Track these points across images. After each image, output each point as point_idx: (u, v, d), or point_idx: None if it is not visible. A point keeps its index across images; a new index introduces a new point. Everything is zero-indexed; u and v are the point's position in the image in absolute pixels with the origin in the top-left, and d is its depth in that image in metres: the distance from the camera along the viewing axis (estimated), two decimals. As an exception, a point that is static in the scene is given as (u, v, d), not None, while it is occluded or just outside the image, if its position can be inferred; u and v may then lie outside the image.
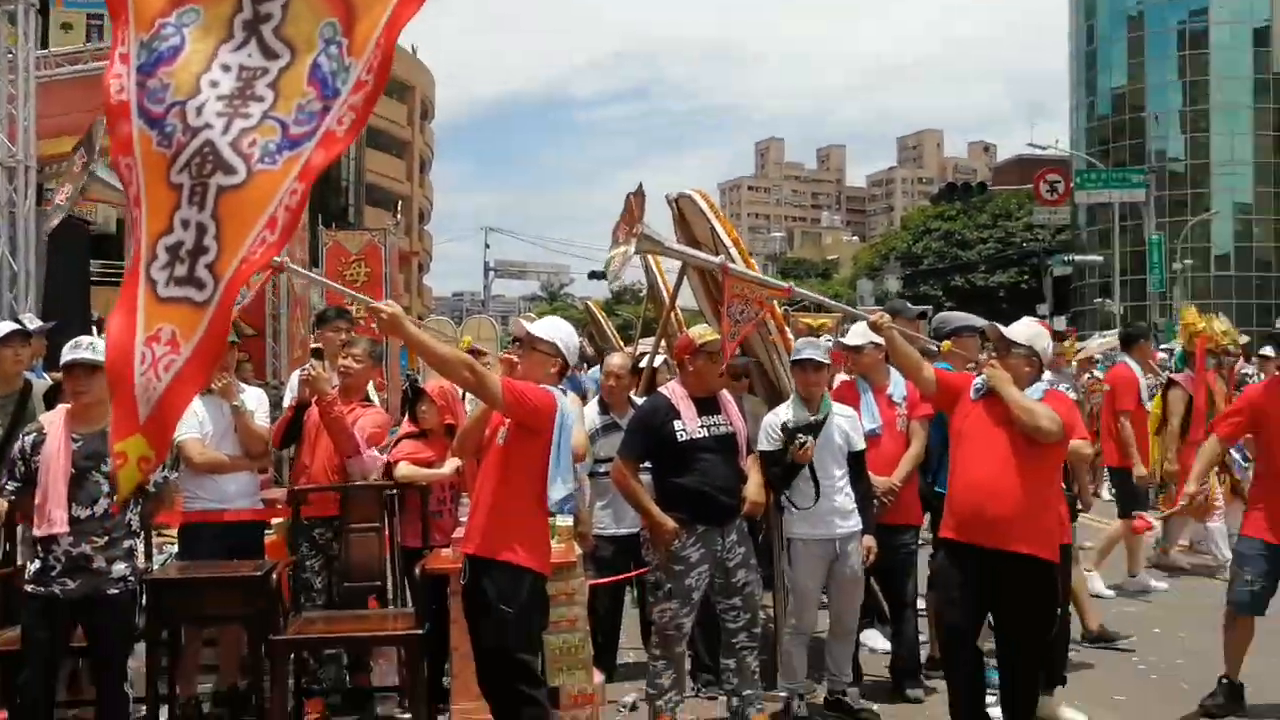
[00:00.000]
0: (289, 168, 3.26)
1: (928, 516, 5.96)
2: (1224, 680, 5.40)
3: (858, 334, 5.91)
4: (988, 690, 4.96)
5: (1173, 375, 8.54)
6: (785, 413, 5.32)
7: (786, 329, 5.96)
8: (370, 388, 6.04)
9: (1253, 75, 48.16)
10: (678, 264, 6.45)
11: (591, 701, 5.14)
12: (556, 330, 4.52)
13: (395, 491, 5.45)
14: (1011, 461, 4.50)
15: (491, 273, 51.82)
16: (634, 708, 5.50)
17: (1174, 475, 7.94)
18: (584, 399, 6.58)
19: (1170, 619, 7.21)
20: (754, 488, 5.19)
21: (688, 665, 5.43)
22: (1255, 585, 5.31)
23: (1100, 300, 41.21)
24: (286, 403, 5.79)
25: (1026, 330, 4.88)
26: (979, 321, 6.23)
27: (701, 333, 5.23)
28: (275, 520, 5.84)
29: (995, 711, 4.99)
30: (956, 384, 4.87)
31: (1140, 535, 8.02)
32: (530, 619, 4.22)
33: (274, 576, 4.79)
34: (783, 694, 5.37)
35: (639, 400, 6.05)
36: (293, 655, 4.88)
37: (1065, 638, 5.54)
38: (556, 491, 4.20)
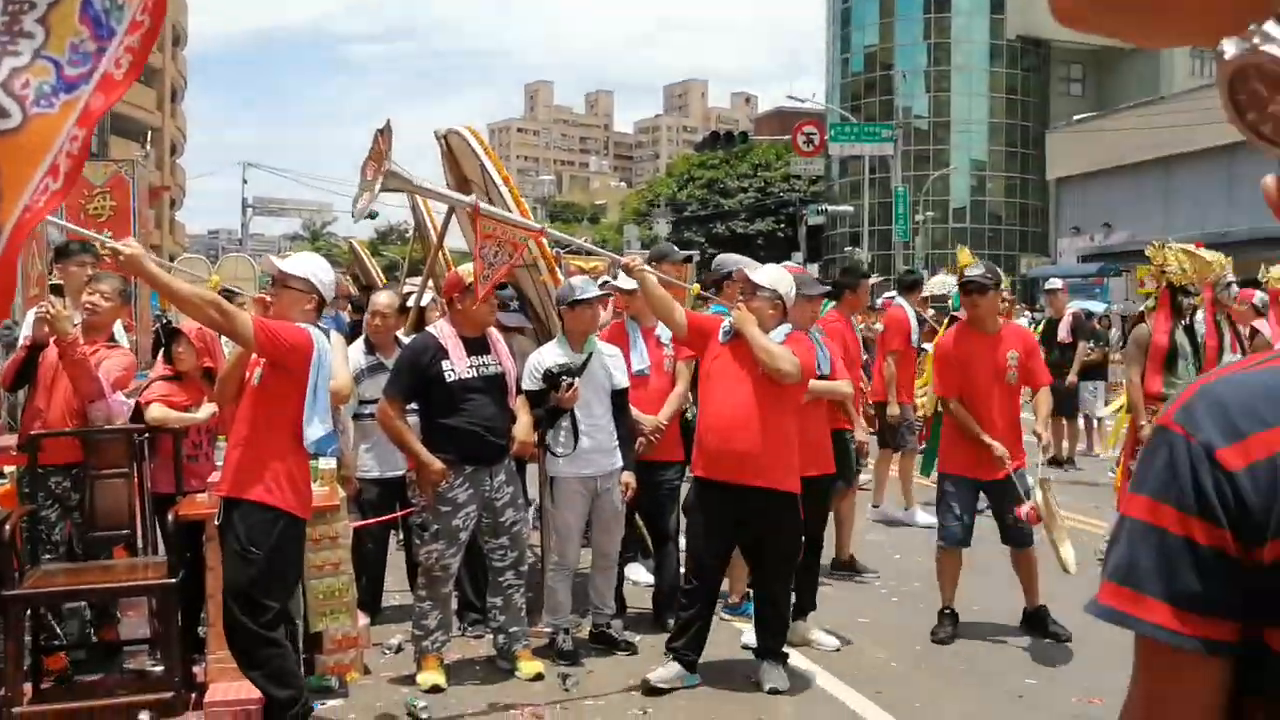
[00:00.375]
0: (67, 112, 3.11)
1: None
2: (946, 610, 5.77)
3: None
4: (747, 617, 5.24)
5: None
6: (549, 353, 5.36)
7: (557, 270, 5.99)
8: (118, 328, 5.68)
9: (989, 40, 51.34)
10: (441, 205, 6.35)
11: (356, 645, 5.09)
12: (308, 266, 4.39)
13: (146, 435, 5.18)
14: (754, 401, 4.74)
15: (250, 209, 49.33)
16: (399, 649, 5.48)
17: None
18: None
19: (908, 546, 7.77)
20: (522, 428, 5.21)
21: (454, 606, 5.44)
22: (964, 519, 5.67)
23: (850, 249, 43.29)
24: (21, 342, 5.36)
25: (771, 274, 5.07)
26: (752, 263, 6.47)
27: (471, 271, 5.19)
28: (7, 468, 5.43)
29: (750, 638, 5.27)
30: (707, 326, 5.03)
31: (909, 470, 8.55)
32: (280, 562, 4.12)
33: (5, 528, 4.47)
34: (548, 629, 5.47)
35: (405, 340, 5.97)
36: (29, 611, 4.58)
37: (816, 567, 5.85)
38: (313, 431, 4.11)
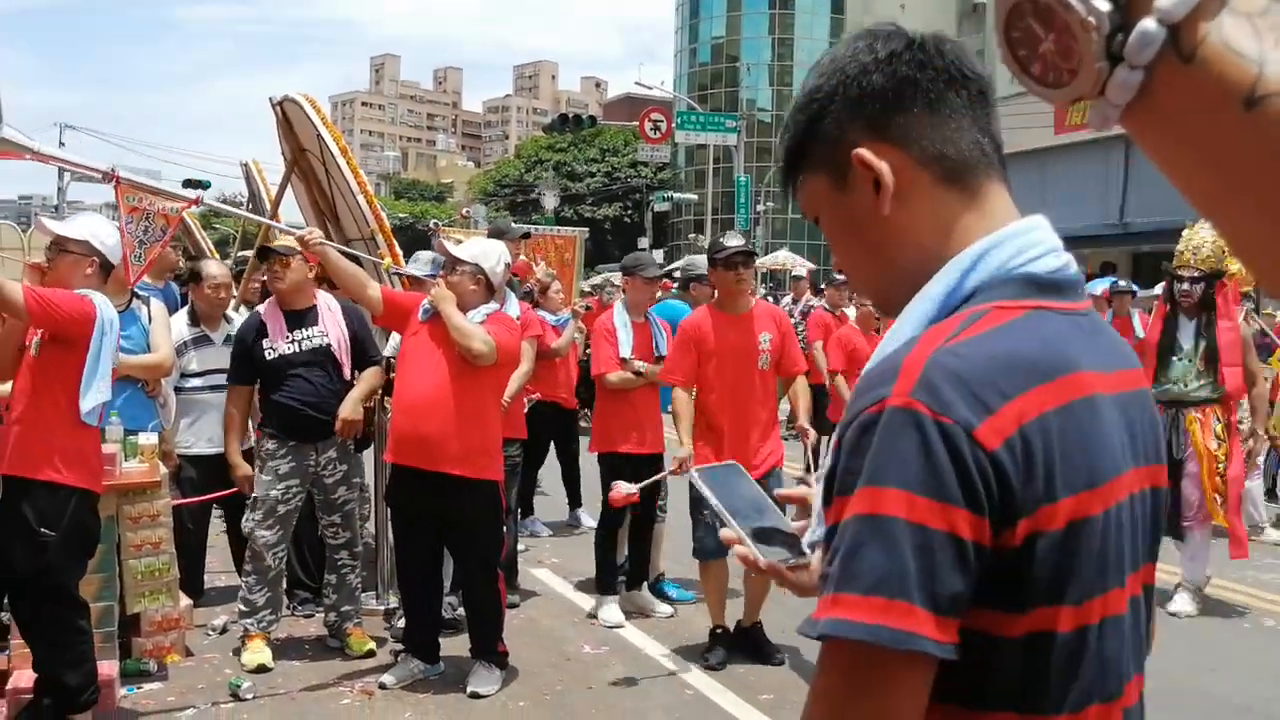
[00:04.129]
0: None
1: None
2: (717, 630, 5.22)
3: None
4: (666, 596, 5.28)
5: None
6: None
7: (395, 244, 5.90)
8: None
9: (828, 39, 52.82)
10: (278, 174, 6.18)
11: (177, 625, 4.93)
12: (87, 227, 4.13)
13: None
14: (448, 383, 4.48)
15: (67, 175, 46.71)
16: (224, 630, 5.33)
17: None
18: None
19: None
20: (348, 405, 5.00)
21: (284, 584, 5.32)
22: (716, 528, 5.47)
23: (694, 236, 43.93)
24: None
25: (473, 248, 4.82)
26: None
27: (289, 240, 5.07)
28: None
29: (612, 614, 5.33)
30: (405, 304, 4.76)
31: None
32: (77, 541, 3.92)
33: None
34: (382, 607, 5.41)
35: (233, 314, 5.84)
36: None
37: (649, 535, 5.94)
38: (87, 401, 3.85)
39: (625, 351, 5.69)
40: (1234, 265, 7.70)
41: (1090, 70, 0.67)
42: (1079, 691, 1.04)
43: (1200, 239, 5.98)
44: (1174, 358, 6.04)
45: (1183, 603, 5.97)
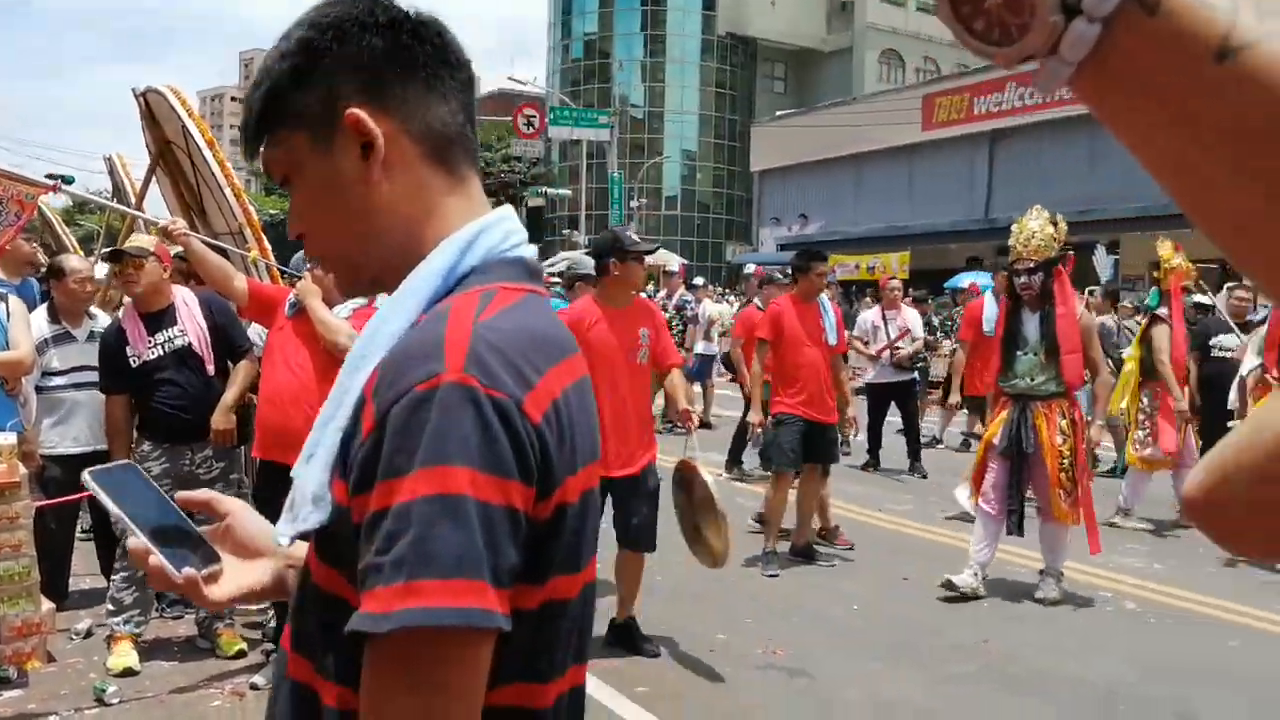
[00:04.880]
0: None
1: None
2: (614, 621, 5.28)
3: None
4: None
5: (1155, 313, 8.28)
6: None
7: (264, 239, 5.84)
8: None
9: (700, 35, 53.41)
10: (144, 169, 6.04)
11: (39, 630, 4.80)
12: None
13: None
14: (313, 378, 4.45)
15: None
16: (89, 634, 5.21)
17: (1134, 415, 8.15)
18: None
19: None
20: (219, 414, 4.95)
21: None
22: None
23: (568, 231, 43.93)
24: None
25: None
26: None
27: (140, 240, 4.99)
28: None
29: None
30: (271, 297, 4.73)
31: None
32: None
33: None
34: (255, 607, 5.35)
35: (96, 310, 5.70)
36: None
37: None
38: None
39: None
40: (1175, 259, 8.14)
41: (1044, 24, 0.59)
42: (564, 653, 1.08)
43: (1029, 230, 6.07)
44: (1019, 352, 6.17)
45: (1047, 589, 6.19)
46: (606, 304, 5.15)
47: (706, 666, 5.06)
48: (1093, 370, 6.33)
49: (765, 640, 5.43)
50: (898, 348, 10.15)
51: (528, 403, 0.96)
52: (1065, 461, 6.06)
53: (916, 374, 10.73)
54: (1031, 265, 6.07)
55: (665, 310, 12.84)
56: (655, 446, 5.33)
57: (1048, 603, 6.13)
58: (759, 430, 7.10)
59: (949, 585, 6.12)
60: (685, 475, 5.11)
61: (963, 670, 5.10)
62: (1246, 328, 8.79)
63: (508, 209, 1.18)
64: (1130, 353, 8.61)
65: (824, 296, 7.09)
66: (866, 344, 10.43)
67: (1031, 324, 6.16)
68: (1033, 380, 6.13)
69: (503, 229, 1.14)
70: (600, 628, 5.36)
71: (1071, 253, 6.45)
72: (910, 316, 10.60)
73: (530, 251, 1.17)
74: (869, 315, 10.82)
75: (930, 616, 5.92)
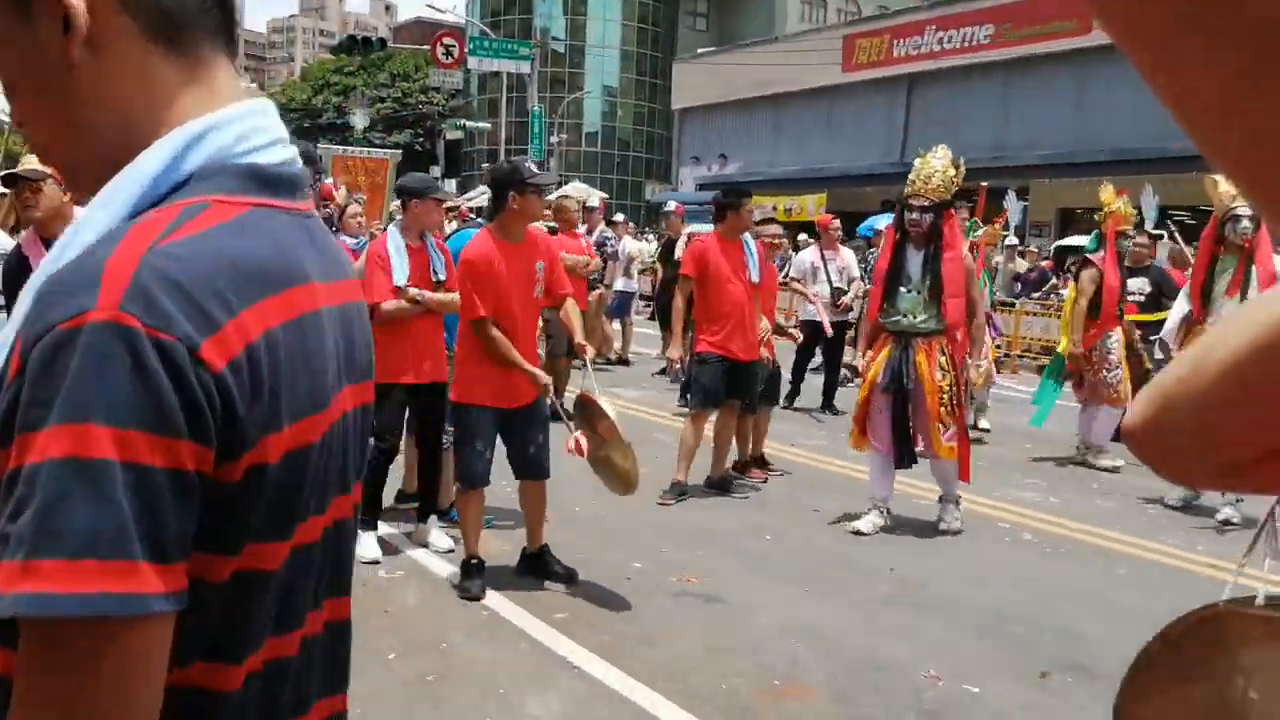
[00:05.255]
0: None
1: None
2: (472, 561, 5.21)
3: None
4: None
5: (1088, 255, 8.47)
6: None
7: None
8: None
9: (624, -31, 52.72)
10: None
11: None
12: None
13: None
14: None
15: None
16: None
17: (1079, 358, 8.23)
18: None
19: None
20: None
21: None
22: (487, 455, 5.12)
23: (487, 165, 43.36)
24: None
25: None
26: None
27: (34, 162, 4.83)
28: None
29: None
30: None
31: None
32: None
33: None
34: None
35: None
36: None
37: (439, 468, 6.00)
38: None
39: (400, 279, 5.49)
40: (1114, 204, 8.05)
41: None
42: (261, 627, 0.96)
43: (931, 169, 6.14)
44: (902, 289, 6.22)
45: (950, 518, 6.41)
46: (503, 238, 5.05)
47: (622, 594, 5.19)
48: (971, 312, 6.40)
49: (680, 569, 5.58)
50: (841, 290, 10.26)
51: (207, 347, 0.81)
52: (945, 397, 6.20)
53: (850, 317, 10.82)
54: (925, 204, 6.14)
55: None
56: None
57: (951, 532, 6.37)
58: (677, 367, 7.18)
59: (856, 533, 6.31)
60: (586, 408, 5.20)
61: (872, 595, 5.31)
62: (1147, 273, 9.17)
63: (261, 102, 1.01)
64: (1068, 294, 8.87)
65: (747, 235, 7.16)
66: (803, 284, 10.50)
67: (916, 262, 6.21)
68: (915, 318, 6.19)
69: (242, 127, 0.96)
70: (514, 559, 5.48)
71: (976, 199, 6.58)
72: (848, 257, 10.70)
73: (277, 156, 0.98)
74: (807, 256, 10.82)
75: (840, 546, 6.13)
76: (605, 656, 4.41)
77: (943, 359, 6.21)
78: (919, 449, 6.38)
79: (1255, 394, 0.66)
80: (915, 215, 6.15)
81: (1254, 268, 6.72)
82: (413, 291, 5.50)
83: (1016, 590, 5.44)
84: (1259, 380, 0.66)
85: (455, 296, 5.55)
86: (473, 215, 7.94)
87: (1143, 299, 9.13)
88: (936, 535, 6.37)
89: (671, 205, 13.69)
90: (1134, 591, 5.47)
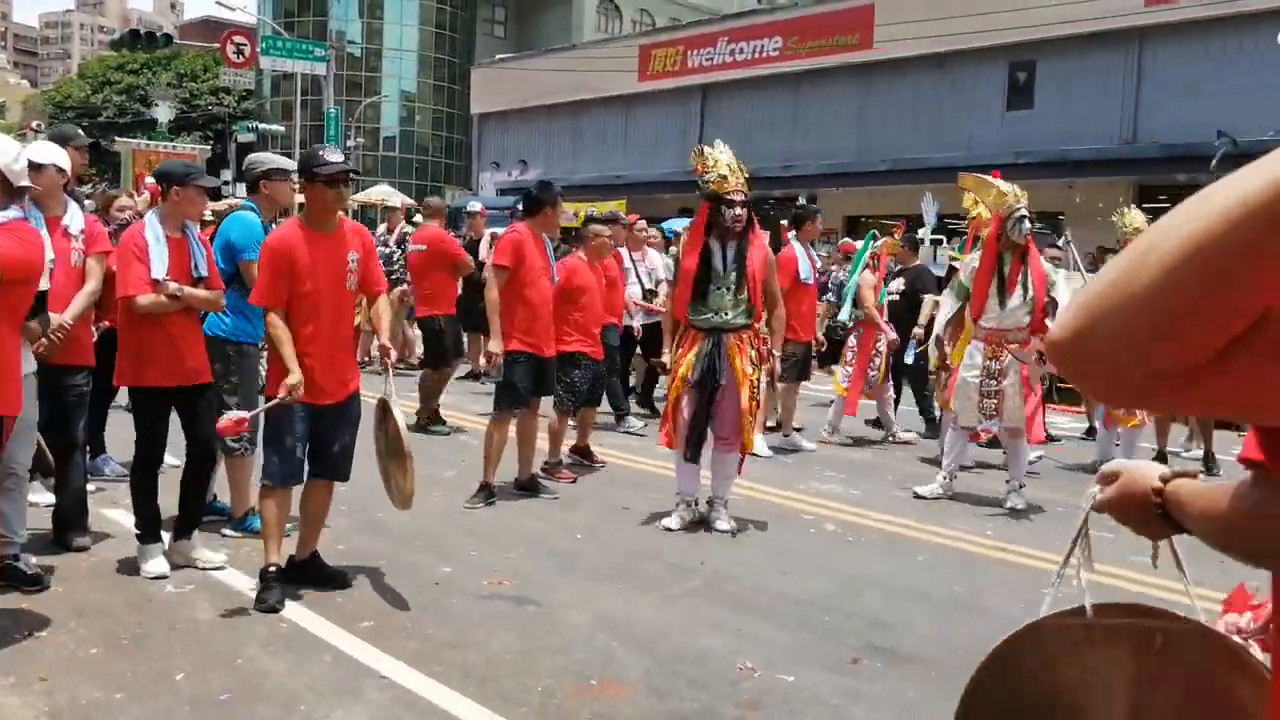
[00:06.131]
0: None
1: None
2: (270, 569, 4.91)
3: (40, 151, 5.31)
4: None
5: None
6: None
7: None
8: None
9: (419, -28, 51.89)
10: None
11: None
12: None
13: None
14: None
15: None
16: None
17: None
18: None
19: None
20: None
21: None
22: (298, 450, 4.93)
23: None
24: None
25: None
26: (289, 164, 6.08)
27: None
28: None
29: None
30: None
31: (794, 397, 9.32)
32: None
33: None
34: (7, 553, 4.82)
35: None
36: None
37: (205, 478, 5.56)
38: None
39: (159, 271, 5.03)
40: (976, 209, 8.00)
41: None
42: None
43: (727, 159, 6.18)
44: (712, 286, 6.20)
45: (723, 518, 6.37)
46: (310, 227, 4.83)
47: (432, 599, 5.01)
48: (770, 304, 6.50)
49: (490, 571, 5.44)
50: (652, 292, 10.31)
51: None
52: (755, 390, 6.32)
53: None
54: (742, 198, 6.21)
55: (387, 246, 12.60)
56: (359, 375, 5.22)
57: (733, 532, 6.31)
58: (492, 364, 6.98)
59: (665, 528, 6.29)
60: (384, 413, 4.99)
61: (684, 589, 5.31)
62: (904, 274, 9.87)
63: None
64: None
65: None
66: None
67: (726, 259, 6.24)
68: (727, 314, 6.22)
69: None
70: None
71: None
72: (655, 259, 10.76)
73: None
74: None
75: (650, 541, 6.11)
76: (414, 664, 4.23)
77: (752, 353, 6.29)
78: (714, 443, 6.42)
79: (1192, 285, 0.68)
80: (738, 210, 6.18)
81: (1028, 266, 7.12)
82: (172, 286, 5.06)
83: (824, 580, 5.54)
84: (1199, 273, 0.68)
85: (219, 294, 5.29)
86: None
87: (898, 297, 9.88)
88: (750, 529, 6.43)
89: (476, 206, 13.53)
90: (933, 576, 5.67)
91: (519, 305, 6.74)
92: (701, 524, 6.43)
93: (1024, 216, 7.01)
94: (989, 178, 7.28)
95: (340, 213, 5.06)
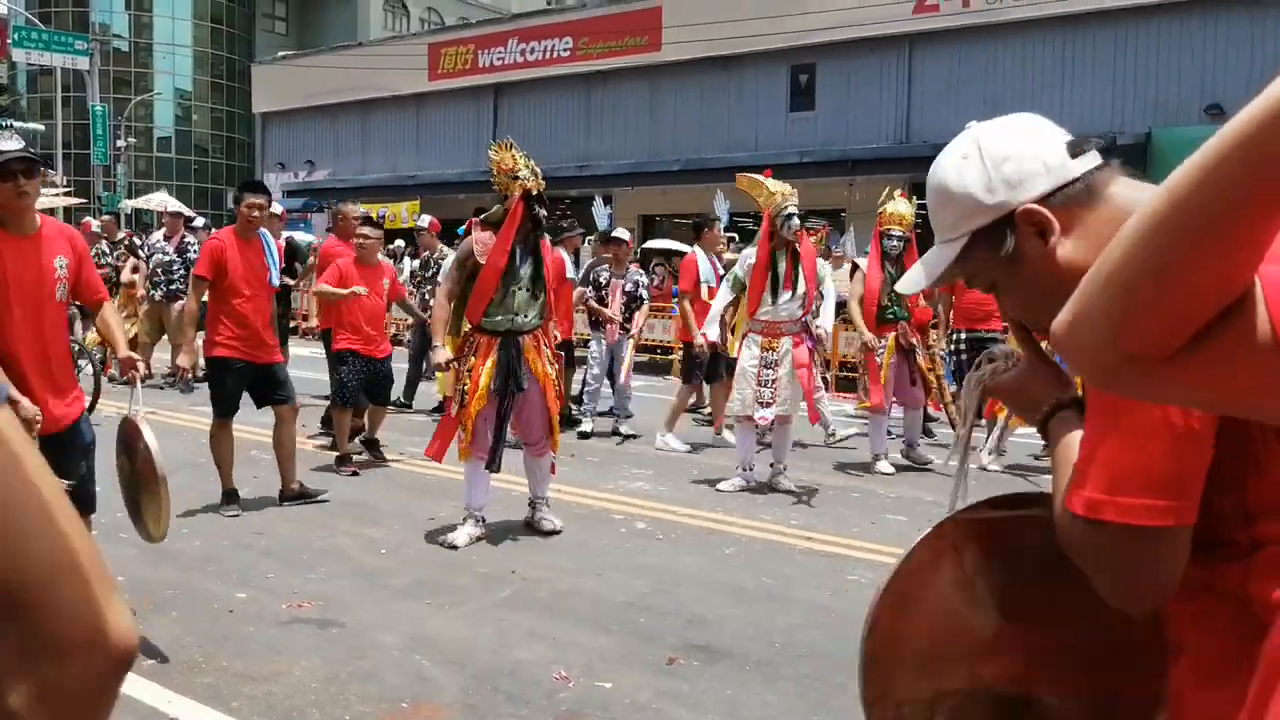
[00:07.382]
0: None
1: None
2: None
3: None
4: None
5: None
6: None
7: None
8: None
9: (189, -36, 49.52)
10: None
11: None
12: None
13: None
14: None
15: None
16: None
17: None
18: None
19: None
20: None
21: None
22: None
23: (44, 171, 39.13)
24: None
25: None
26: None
27: None
28: None
29: None
30: None
31: (721, 399, 9.27)
32: None
33: None
34: None
35: None
36: None
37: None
38: None
39: None
40: (886, 205, 8.44)
41: None
42: None
43: (520, 157, 6.09)
44: (514, 287, 6.09)
45: (549, 518, 6.38)
46: (4, 230, 4.16)
47: (227, 629, 4.71)
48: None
49: (289, 594, 5.16)
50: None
51: None
52: (558, 388, 6.39)
53: None
54: (544, 197, 6.18)
55: (167, 254, 11.96)
56: (83, 397, 4.61)
57: (558, 531, 6.34)
58: (182, 376, 7.27)
59: (450, 545, 6.03)
60: (129, 436, 4.48)
61: (495, 600, 5.18)
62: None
63: None
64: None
65: (265, 231, 7.11)
66: (413, 293, 10.77)
67: (525, 259, 6.15)
68: (524, 315, 6.13)
69: None
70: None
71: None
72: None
73: None
74: (410, 263, 10.99)
75: (458, 553, 5.95)
76: (209, 701, 3.95)
77: (548, 352, 6.27)
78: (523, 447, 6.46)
79: (1150, 250, 0.78)
80: (546, 210, 6.22)
81: (800, 261, 7.39)
82: None
83: (637, 579, 5.53)
84: (1154, 239, 0.79)
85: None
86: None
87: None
88: (561, 532, 6.36)
89: (278, 209, 12.96)
90: (743, 568, 5.74)
91: (224, 312, 6.68)
92: (509, 533, 6.32)
93: (792, 214, 7.29)
94: (760, 177, 7.51)
95: (40, 212, 4.37)
